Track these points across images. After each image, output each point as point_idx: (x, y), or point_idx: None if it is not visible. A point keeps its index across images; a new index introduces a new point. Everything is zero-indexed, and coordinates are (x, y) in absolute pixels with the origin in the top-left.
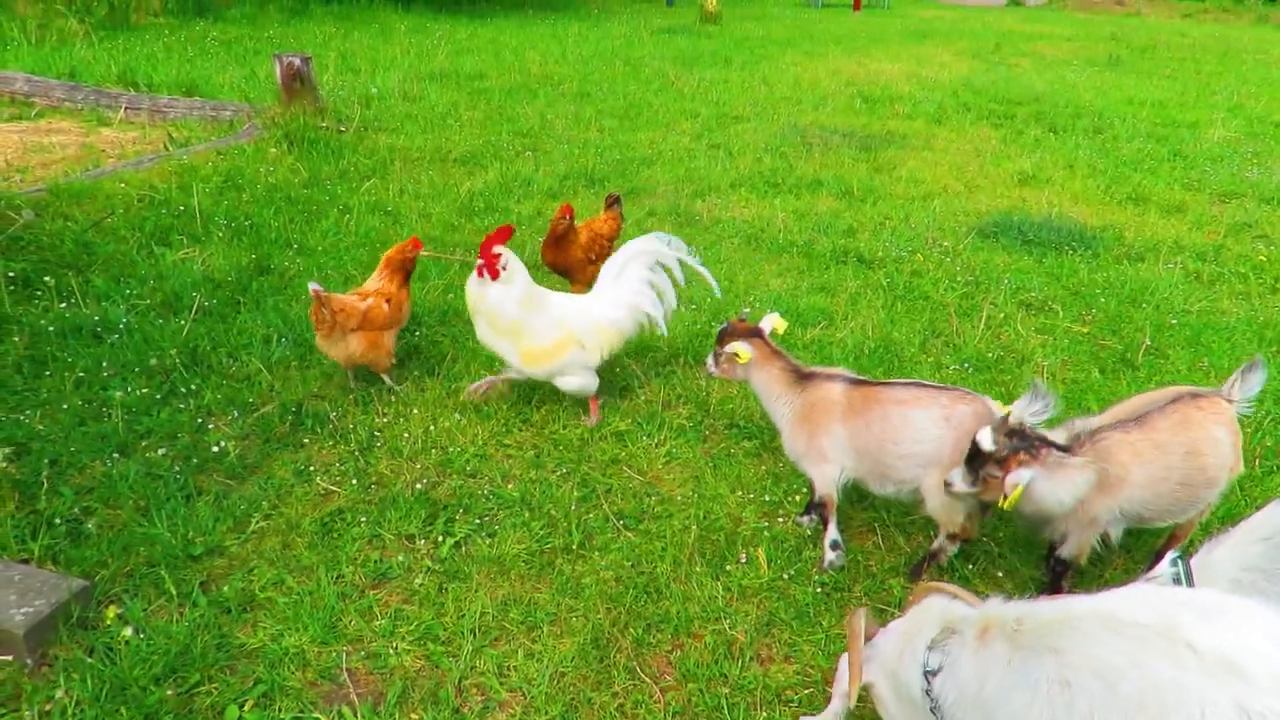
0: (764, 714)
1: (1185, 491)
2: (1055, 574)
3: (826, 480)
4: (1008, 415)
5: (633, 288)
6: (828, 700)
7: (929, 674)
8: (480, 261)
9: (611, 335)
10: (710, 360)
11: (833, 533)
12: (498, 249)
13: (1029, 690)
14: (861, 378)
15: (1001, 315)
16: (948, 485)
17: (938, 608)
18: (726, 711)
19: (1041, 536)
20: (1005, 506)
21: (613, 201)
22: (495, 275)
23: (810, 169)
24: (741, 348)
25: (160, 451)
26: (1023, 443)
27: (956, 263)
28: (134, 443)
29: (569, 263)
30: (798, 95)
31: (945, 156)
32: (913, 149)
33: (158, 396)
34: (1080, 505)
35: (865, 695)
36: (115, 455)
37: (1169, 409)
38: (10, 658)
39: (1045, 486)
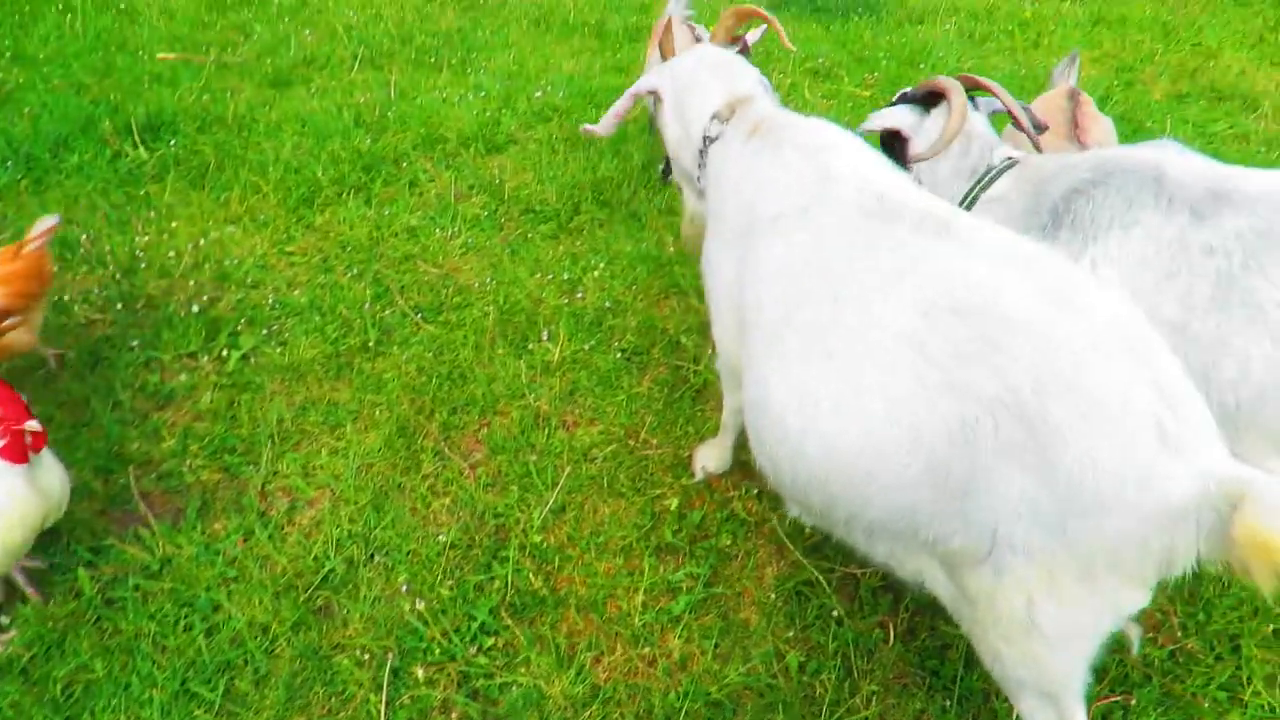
0: (570, 469)
1: None
2: None
3: None
4: None
5: None
6: None
7: (707, 139)
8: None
9: None
10: None
11: None
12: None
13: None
14: None
15: (789, 83)
16: None
17: (724, 77)
18: (535, 475)
19: None
20: None
21: None
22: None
23: None
24: None
25: None
26: None
27: None
28: None
29: None
30: None
31: None
32: None
33: None
34: None
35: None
36: None
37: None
38: None
39: None
